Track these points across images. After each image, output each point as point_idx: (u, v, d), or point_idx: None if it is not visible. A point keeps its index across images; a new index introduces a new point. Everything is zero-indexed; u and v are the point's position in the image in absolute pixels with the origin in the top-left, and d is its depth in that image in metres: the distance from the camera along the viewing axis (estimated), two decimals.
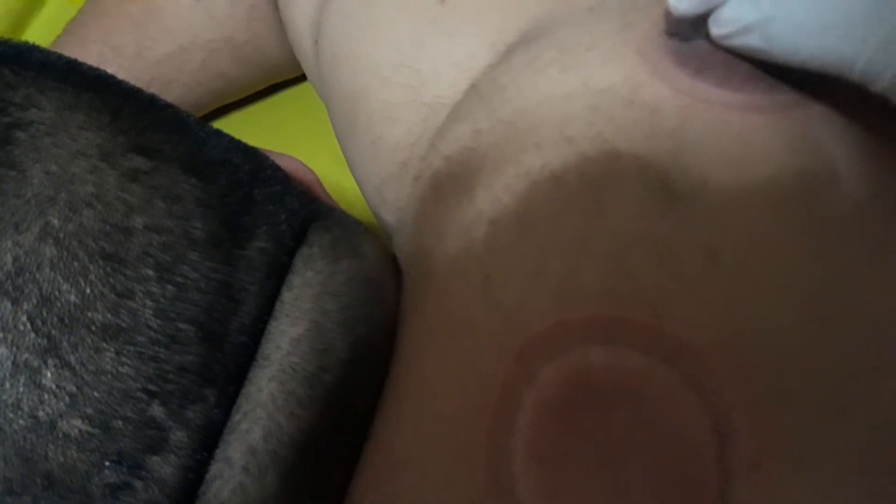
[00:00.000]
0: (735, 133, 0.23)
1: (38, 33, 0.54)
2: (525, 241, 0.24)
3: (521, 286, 0.23)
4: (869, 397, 0.21)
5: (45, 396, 0.19)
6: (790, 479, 0.20)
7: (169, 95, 0.31)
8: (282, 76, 0.51)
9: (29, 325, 0.19)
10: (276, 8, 0.45)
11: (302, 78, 0.51)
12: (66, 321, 0.20)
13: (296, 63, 0.45)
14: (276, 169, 0.27)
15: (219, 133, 0.26)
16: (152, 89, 0.26)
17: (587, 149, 0.24)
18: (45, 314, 0.20)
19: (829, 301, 0.22)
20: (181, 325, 0.21)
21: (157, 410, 0.21)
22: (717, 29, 0.24)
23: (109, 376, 0.20)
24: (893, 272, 0.22)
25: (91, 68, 0.25)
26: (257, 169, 0.25)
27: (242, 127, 0.48)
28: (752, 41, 0.23)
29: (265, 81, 0.50)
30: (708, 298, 0.22)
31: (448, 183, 0.27)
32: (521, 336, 0.23)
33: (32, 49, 0.24)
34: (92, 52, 0.44)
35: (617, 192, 0.23)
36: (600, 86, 0.25)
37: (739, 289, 0.22)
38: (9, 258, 0.20)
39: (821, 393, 0.21)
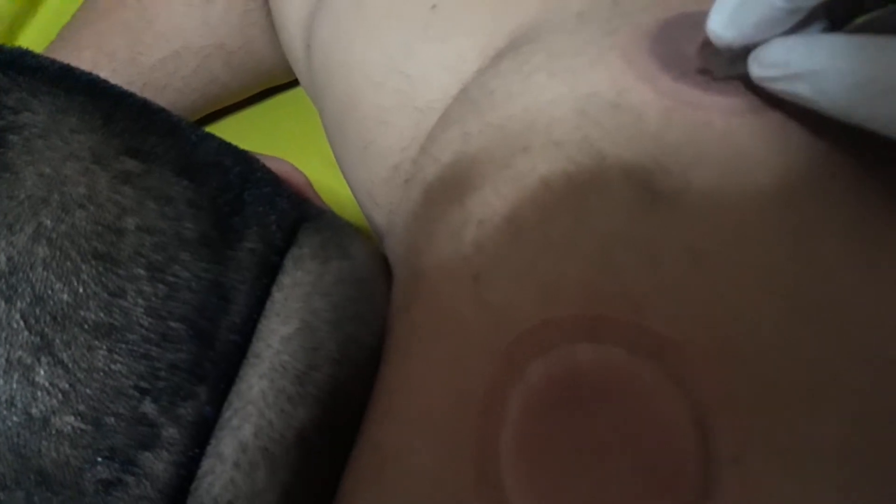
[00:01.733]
0: (717, 135, 0.24)
1: (32, 39, 0.54)
2: (514, 241, 0.24)
3: (509, 286, 0.24)
4: (848, 389, 0.21)
5: (39, 393, 0.20)
6: (772, 472, 0.20)
7: (162, 100, 0.31)
8: (274, 81, 0.51)
9: (22, 324, 0.20)
10: (269, 14, 0.46)
11: (295, 83, 0.52)
12: (59, 319, 0.20)
13: (288, 68, 0.45)
14: (267, 171, 0.27)
15: (210, 136, 0.26)
16: (146, 94, 0.26)
17: (574, 152, 0.25)
18: (38, 313, 0.20)
19: (808, 297, 0.22)
20: (172, 324, 0.21)
21: (148, 407, 0.21)
22: (759, 70, 0.22)
23: (102, 374, 0.20)
24: (872, 269, 0.22)
25: (84, 73, 0.25)
26: (248, 171, 0.26)
27: (235, 131, 0.48)
28: (799, 90, 0.21)
29: (258, 86, 0.51)
30: (690, 297, 0.22)
31: (438, 186, 0.27)
32: (508, 334, 0.23)
33: (25, 54, 0.25)
34: (85, 58, 0.44)
35: (602, 194, 0.24)
36: (587, 90, 0.26)
37: (720, 287, 0.22)
38: (2, 258, 0.20)
39: (800, 386, 0.21)
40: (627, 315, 0.22)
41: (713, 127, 0.24)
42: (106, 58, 0.44)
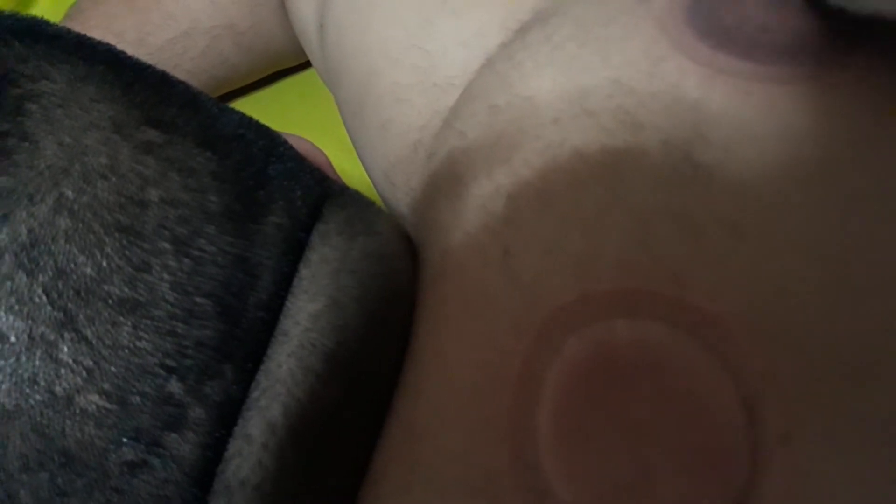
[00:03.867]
0: (757, 104, 0.23)
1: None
2: (545, 214, 0.23)
3: (541, 260, 0.23)
4: (893, 365, 0.20)
5: (62, 371, 0.19)
6: (821, 451, 0.20)
7: None
8: (285, 63, 0.50)
9: (45, 298, 0.19)
10: None
11: (306, 65, 0.51)
12: (83, 294, 0.19)
13: (299, 50, 0.45)
14: (290, 147, 0.26)
15: (231, 110, 0.26)
16: None
17: (608, 122, 0.24)
18: (60, 287, 0.19)
19: (853, 271, 0.21)
20: (198, 300, 0.21)
21: (174, 386, 0.20)
22: None
23: (127, 351, 0.20)
24: None
25: (101, 43, 0.25)
26: (271, 145, 0.25)
27: (246, 114, 0.47)
28: (874, 2, 0.21)
29: (269, 68, 0.50)
30: (730, 269, 0.21)
31: (464, 160, 0.27)
32: (541, 311, 0.22)
33: (42, 23, 0.24)
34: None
35: (638, 164, 0.23)
36: (620, 60, 0.25)
37: (763, 260, 0.22)
38: (23, 229, 0.19)
39: (848, 363, 0.20)
40: (667, 289, 0.21)
41: (754, 96, 0.23)
42: (114, 38, 0.44)
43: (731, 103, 0.23)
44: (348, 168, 0.43)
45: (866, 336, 0.21)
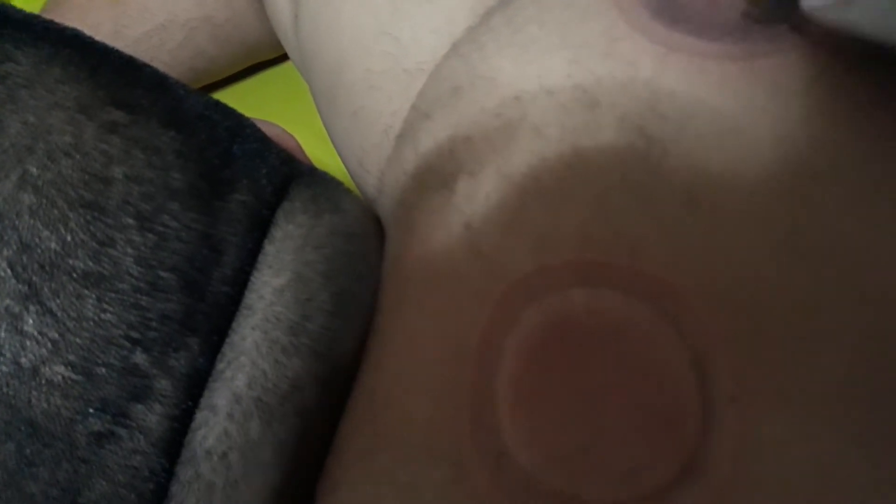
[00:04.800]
0: (711, 81, 0.24)
1: None
2: (505, 189, 0.24)
3: (502, 233, 0.23)
4: (847, 331, 0.21)
5: (27, 343, 0.19)
6: (771, 412, 0.20)
7: None
8: (263, 55, 0.51)
9: (9, 272, 0.19)
10: None
11: (283, 58, 0.51)
12: (47, 268, 0.20)
13: (277, 42, 0.45)
14: (256, 129, 0.27)
15: (198, 92, 0.26)
16: None
17: (566, 100, 0.24)
18: (25, 260, 0.20)
19: (806, 241, 0.22)
20: (163, 274, 0.21)
21: (140, 358, 0.21)
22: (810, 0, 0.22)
23: (91, 323, 0.20)
24: (872, 212, 0.22)
25: (68, 28, 0.25)
26: (237, 126, 0.25)
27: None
28: (851, 16, 0.21)
29: (246, 61, 0.50)
30: (686, 240, 0.22)
31: (427, 139, 0.27)
32: (501, 282, 0.23)
33: (7, 8, 0.24)
34: None
35: (596, 140, 0.23)
36: (578, 40, 0.25)
37: (717, 230, 0.22)
38: None
39: (798, 328, 0.21)
40: (623, 259, 0.22)
41: (709, 73, 0.24)
42: (90, 30, 0.43)
43: (685, 80, 0.24)
44: (325, 158, 0.43)
45: (819, 303, 0.21)
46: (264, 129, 0.28)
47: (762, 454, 0.20)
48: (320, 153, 0.44)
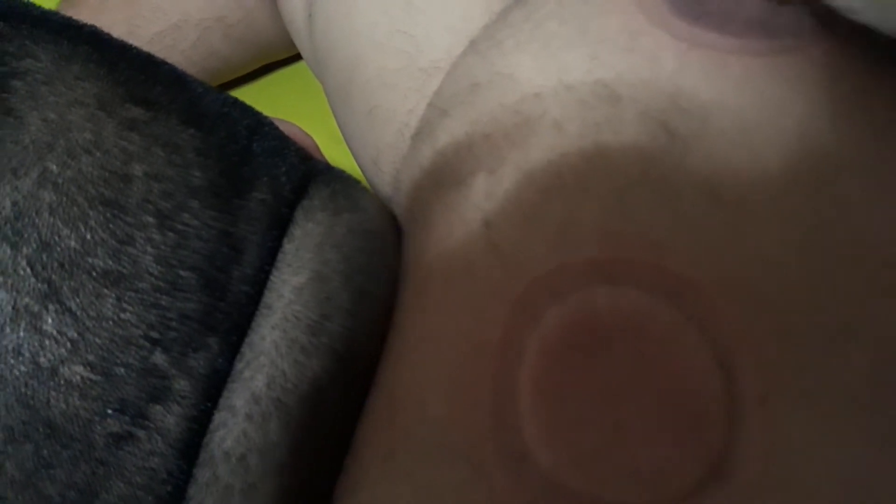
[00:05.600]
0: (734, 76, 0.23)
1: None
2: (524, 186, 0.24)
3: (521, 231, 0.23)
4: (874, 328, 0.21)
5: (46, 342, 0.19)
6: (799, 412, 0.20)
7: None
8: (275, 55, 0.51)
9: (29, 270, 0.19)
10: None
11: (296, 58, 0.51)
12: (67, 266, 0.20)
13: (289, 42, 0.45)
14: (274, 127, 0.27)
15: (216, 90, 0.26)
16: None
17: (586, 95, 0.24)
18: (44, 259, 0.19)
19: (830, 237, 0.22)
20: (182, 273, 0.21)
21: (159, 358, 0.20)
22: None
23: (111, 322, 0.20)
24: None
25: (86, 24, 0.25)
26: (255, 124, 0.25)
27: None
28: (854, 3, 0.21)
29: (259, 60, 0.50)
30: (709, 236, 0.22)
31: (446, 138, 0.27)
32: (522, 280, 0.22)
33: (27, 4, 0.24)
34: None
35: (617, 135, 0.23)
36: (598, 35, 0.25)
37: (740, 226, 0.22)
38: (7, 203, 0.19)
39: (825, 326, 0.21)
40: (645, 256, 0.22)
41: (731, 68, 0.23)
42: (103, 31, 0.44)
43: (707, 75, 0.23)
44: (339, 158, 0.43)
45: (845, 300, 0.21)
46: (282, 127, 0.28)
47: (791, 456, 0.20)
48: (334, 153, 0.44)
